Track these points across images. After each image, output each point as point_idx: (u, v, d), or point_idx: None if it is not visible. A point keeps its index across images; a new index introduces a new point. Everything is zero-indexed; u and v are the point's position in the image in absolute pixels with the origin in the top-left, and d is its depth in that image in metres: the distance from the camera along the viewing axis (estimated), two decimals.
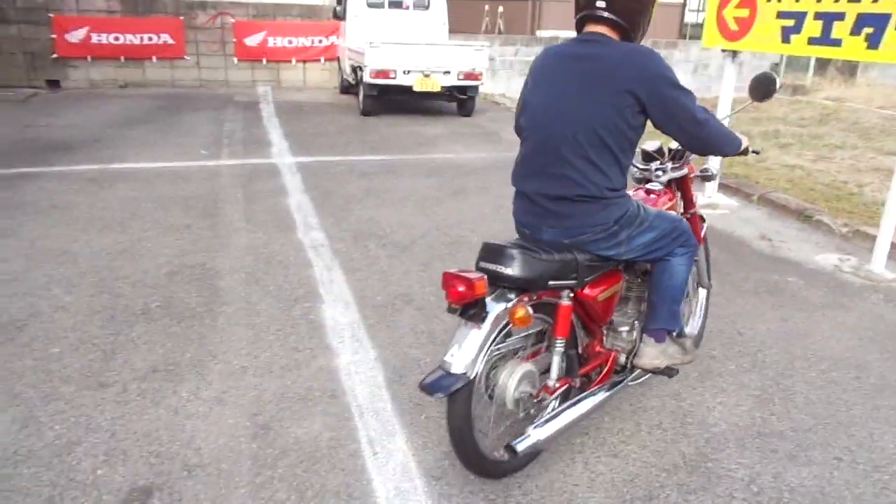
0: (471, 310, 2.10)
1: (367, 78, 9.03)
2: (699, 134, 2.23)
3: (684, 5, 16.46)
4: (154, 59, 11.44)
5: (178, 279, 3.89)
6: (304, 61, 12.22)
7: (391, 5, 10.44)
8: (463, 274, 2.06)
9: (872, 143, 8.46)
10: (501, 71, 12.67)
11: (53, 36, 10.83)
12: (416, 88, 9.15)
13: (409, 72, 9.05)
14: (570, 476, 2.36)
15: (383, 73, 8.97)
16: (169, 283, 3.84)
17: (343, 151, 7.26)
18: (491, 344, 2.12)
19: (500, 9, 14.85)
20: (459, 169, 6.69)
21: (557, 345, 2.32)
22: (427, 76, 9.12)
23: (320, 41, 12.14)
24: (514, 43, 12.69)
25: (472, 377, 2.06)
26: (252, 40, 11.80)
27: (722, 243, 4.85)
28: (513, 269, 2.14)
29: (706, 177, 3.16)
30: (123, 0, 11.13)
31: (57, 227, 4.63)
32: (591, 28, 2.24)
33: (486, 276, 2.08)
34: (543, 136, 2.27)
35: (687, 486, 2.32)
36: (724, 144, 2.33)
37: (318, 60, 12.26)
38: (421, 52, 9.15)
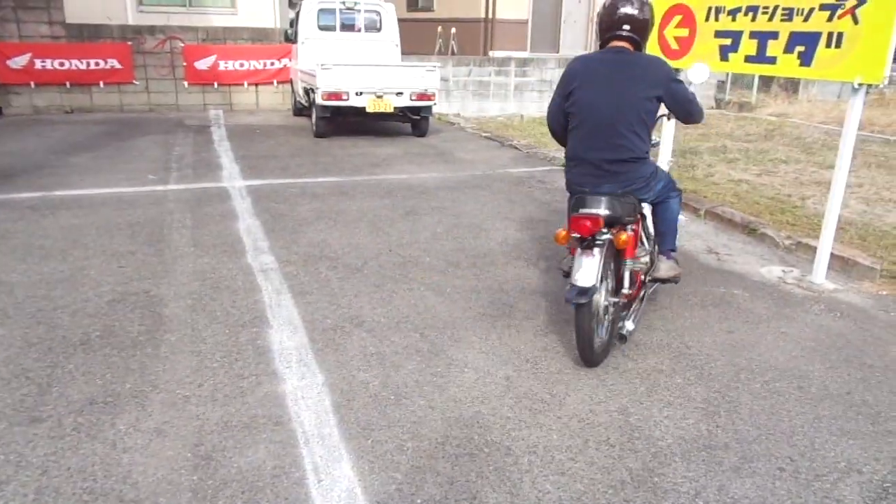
0: (586, 243, 3.03)
1: (319, 100, 9.00)
2: (691, 109, 3.32)
3: None
4: (101, 84, 11.22)
5: (121, 307, 3.78)
6: (257, 84, 12.13)
7: (343, 28, 10.47)
8: (586, 215, 3.05)
9: (814, 157, 8.76)
10: (455, 91, 12.78)
11: None
12: (370, 110, 9.15)
13: (361, 93, 9.06)
14: (517, 496, 2.34)
15: (335, 95, 8.95)
16: (110, 311, 3.73)
17: (295, 174, 7.20)
18: (604, 264, 3.05)
19: (453, 30, 15.02)
20: (412, 189, 6.69)
21: (629, 263, 3.38)
22: (380, 97, 9.14)
23: (272, 64, 12.08)
24: (468, 63, 12.83)
25: (596, 287, 2.99)
26: (202, 64, 11.68)
27: None
28: (608, 211, 3.12)
29: (655, 144, 3.82)
30: (67, 26, 10.90)
31: None
32: (616, 44, 3.27)
33: (602, 216, 3.06)
34: (601, 118, 3.20)
35: (633, 502, 2.32)
36: (699, 113, 3.36)
37: (271, 83, 12.18)
38: (373, 74, 9.17)
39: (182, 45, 11.50)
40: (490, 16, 14.79)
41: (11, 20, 10.55)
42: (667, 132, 5.62)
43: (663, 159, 5.69)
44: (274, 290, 4.10)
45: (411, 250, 4.89)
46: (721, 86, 15.14)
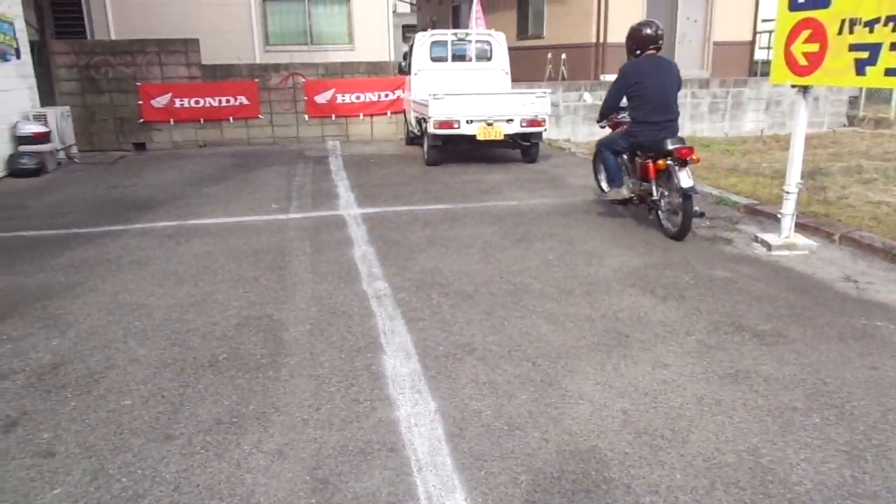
0: (681, 162, 5.53)
1: (431, 129, 9.19)
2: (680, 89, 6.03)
3: (753, 43, 16.15)
4: (231, 119, 12.04)
5: (246, 331, 3.98)
6: (371, 115, 12.57)
7: (454, 58, 10.67)
8: (682, 146, 5.57)
9: None
10: (565, 116, 12.67)
11: (140, 102, 11.58)
12: (480, 137, 9.24)
13: (472, 121, 9.17)
14: None
15: (447, 124, 9.12)
16: (236, 334, 3.93)
17: (408, 201, 7.36)
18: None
19: (564, 56, 14.95)
20: (523, 216, 6.65)
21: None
22: (490, 125, 9.21)
23: (386, 95, 12.49)
24: (578, 88, 12.70)
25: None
26: (322, 98, 12.26)
27: (801, 286, 4.60)
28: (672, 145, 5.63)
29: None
30: (202, 67, 11.82)
31: (136, 282, 4.84)
32: (651, 51, 5.96)
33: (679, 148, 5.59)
34: (660, 96, 5.84)
35: None
36: None
37: (385, 114, 12.59)
38: (483, 102, 9.27)
39: (303, 80, 12.13)
40: (601, 40, 14.62)
41: (156, 64, 11.58)
42: (796, 152, 5.29)
43: (792, 181, 5.35)
44: (387, 316, 4.17)
45: (522, 277, 4.84)
46: (854, 102, 14.11)
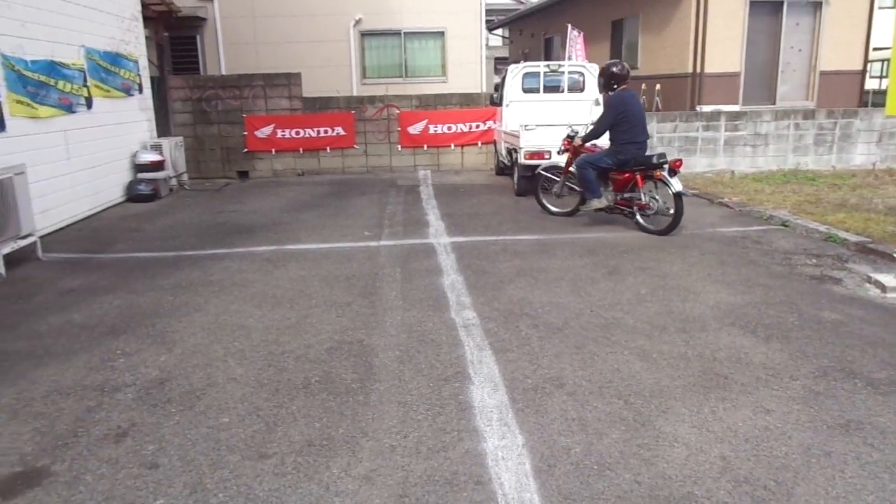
0: (674, 171, 6.92)
1: (521, 159, 9.21)
2: None
3: (864, 72, 15.31)
4: (328, 149, 12.50)
5: (337, 355, 4.07)
6: (462, 146, 12.74)
7: (546, 90, 10.68)
8: (675, 160, 7.02)
9: None
10: (659, 147, 12.37)
11: (245, 133, 12.23)
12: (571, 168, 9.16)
13: (562, 151, 9.11)
14: None
15: (538, 154, 9.11)
16: (328, 358, 4.03)
17: (497, 231, 7.37)
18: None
19: (658, 86, 14.68)
20: (614, 248, 6.52)
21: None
22: None
23: (477, 126, 12.64)
24: (673, 119, 12.40)
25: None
26: (414, 128, 12.55)
27: None
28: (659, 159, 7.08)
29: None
30: (303, 99, 12.37)
31: (236, 304, 5.07)
32: (624, 86, 7.39)
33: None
34: (640, 122, 7.24)
35: None
36: None
37: (476, 144, 12.73)
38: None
39: (398, 111, 12.47)
40: (698, 70, 14.27)
41: (261, 97, 12.22)
42: None
43: None
44: (475, 345, 4.17)
45: (614, 311, 4.73)
46: None
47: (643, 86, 14.90)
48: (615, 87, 7.38)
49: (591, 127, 7.75)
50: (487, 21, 16.36)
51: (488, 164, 12.74)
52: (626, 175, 7.29)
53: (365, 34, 14.65)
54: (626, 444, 2.99)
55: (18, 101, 6.96)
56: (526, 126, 9.08)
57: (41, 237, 6.64)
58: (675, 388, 3.54)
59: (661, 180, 6.98)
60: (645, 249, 6.45)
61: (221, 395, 3.58)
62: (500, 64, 28.16)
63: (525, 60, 14.07)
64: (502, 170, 11.59)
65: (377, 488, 2.70)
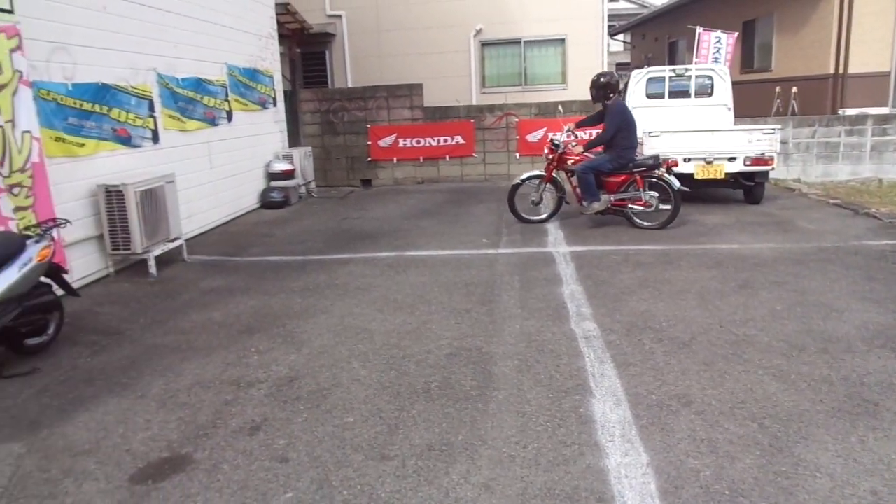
0: (672, 170, 7.66)
1: None
2: None
3: None
4: (447, 157, 12.69)
5: (456, 361, 4.11)
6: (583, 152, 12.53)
7: (672, 95, 10.31)
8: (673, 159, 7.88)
9: None
10: (795, 154, 11.60)
11: (369, 143, 12.68)
12: (698, 176, 8.77)
13: (689, 159, 8.75)
14: None
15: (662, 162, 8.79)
16: (448, 364, 4.07)
17: (618, 241, 7.18)
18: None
19: (794, 89, 13.76)
20: (745, 261, 6.16)
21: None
22: (709, 163, 8.72)
23: (596, 133, 12.39)
24: (812, 124, 11.58)
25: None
26: (533, 136, 12.49)
27: None
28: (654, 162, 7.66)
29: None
30: (424, 109, 12.65)
31: (360, 307, 5.24)
32: (617, 95, 7.94)
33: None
34: (635, 128, 7.86)
35: None
36: None
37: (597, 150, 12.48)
38: (703, 139, 8.82)
39: (517, 120, 12.47)
40: (840, 71, 13.24)
41: (384, 108, 12.63)
42: None
43: None
44: (596, 358, 4.07)
45: (746, 328, 4.47)
46: None
47: (777, 89, 14.05)
48: (611, 95, 7.80)
49: (578, 133, 8.60)
50: (609, 27, 16.02)
51: None
52: (623, 177, 7.73)
53: (485, 44, 14.78)
54: (761, 470, 2.81)
55: (170, 116, 7.58)
56: (650, 133, 8.80)
57: (186, 240, 7.19)
58: (816, 412, 3.28)
59: (662, 179, 7.56)
60: (780, 263, 6.05)
61: (346, 395, 3.71)
62: (621, 70, 27.51)
63: (648, 66, 13.66)
64: None
65: (496, 498, 2.70)
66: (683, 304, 4.99)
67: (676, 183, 7.51)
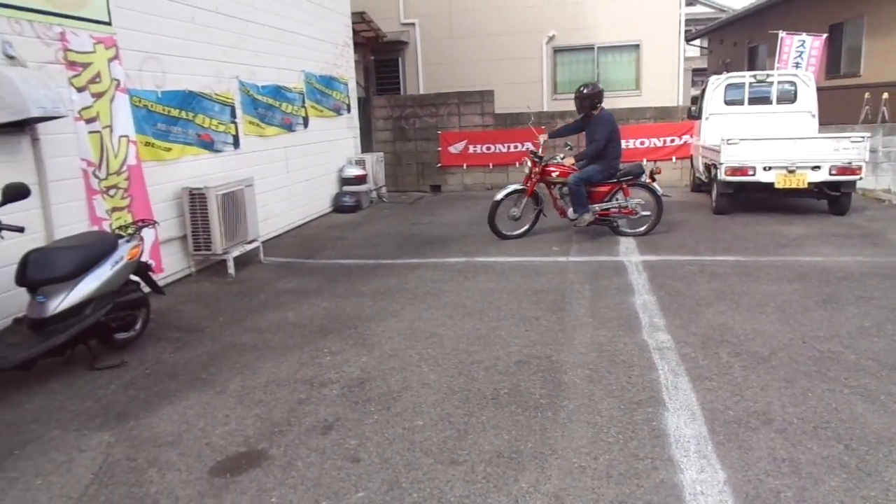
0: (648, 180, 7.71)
1: (721, 175, 8.66)
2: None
3: None
4: (517, 164, 12.65)
5: (525, 369, 4.09)
6: (655, 161, 12.23)
7: (751, 101, 9.97)
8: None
9: None
10: (885, 164, 11.01)
11: (439, 149, 12.78)
12: (778, 185, 8.45)
13: (769, 168, 8.44)
14: None
15: (741, 171, 8.51)
16: (517, 371, 4.06)
17: (693, 251, 6.99)
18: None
19: (885, 95, 13.06)
20: (830, 274, 5.89)
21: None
22: (791, 172, 8.38)
23: (672, 140, 12.10)
24: None
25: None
26: None
27: None
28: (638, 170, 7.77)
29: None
30: (495, 116, 12.66)
31: (429, 312, 5.29)
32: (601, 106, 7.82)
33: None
34: (620, 137, 7.86)
35: None
36: None
37: (669, 159, 12.18)
38: (784, 147, 8.48)
39: None
40: None
41: (455, 114, 12.72)
42: None
43: None
44: (670, 370, 3.97)
45: (830, 344, 4.27)
46: None
47: (867, 94, 13.37)
48: (597, 105, 7.72)
49: (568, 145, 8.56)
50: (685, 31, 15.63)
51: (683, 180, 12.15)
52: (609, 187, 7.70)
53: (557, 50, 14.68)
54: (847, 494, 2.68)
55: (250, 122, 7.86)
56: (728, 140, 8.53)
57: (262, 242, 7.43)
58: None
59: (647, 187, 7.71)
60: (868, 277, 5.75)
61: (416, 398, 3.75)
62: (697, 76, 26.77)
63: (726, 71, 13.26)
64: (699, 186, 11.00)
65: None
66: (763, 318, 4.81)
67: (659, 189, 7.73)
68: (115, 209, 5.47)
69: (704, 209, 9.57)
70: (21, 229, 3.97)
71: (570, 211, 7.77)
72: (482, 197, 11.88)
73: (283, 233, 8.75)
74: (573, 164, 7.79)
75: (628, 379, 3.88)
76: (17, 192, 3.87)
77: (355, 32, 11.91)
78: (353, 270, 6.74)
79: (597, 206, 7.71)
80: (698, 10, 27.06)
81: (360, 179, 10.79)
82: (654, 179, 7.72)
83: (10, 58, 4.52)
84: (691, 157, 11.66)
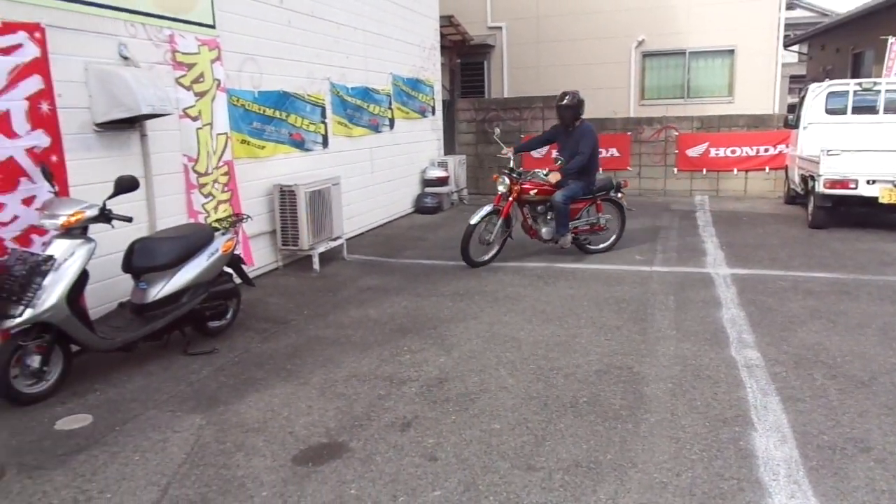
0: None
1: (820, 188, 8.23)
2: None
3: None
4: (600, 170, 12.45)
5: (606, 378, 4.02)
6: (747, 171, 11.80)
7: (855, 111, 9.43)
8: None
9: None
10: None
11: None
12: (883, 200, 7.96)
13: (874, 181, 7.97)
14: None
15: (841, 184, 8.07)
16: (597, 380, 4.00)
17: (786, 266, 6.68)
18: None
19: None
20: None
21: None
22: None
23: (766, 150, 11.61)
24: None
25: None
26: (694, 151, 11.94)
27: None
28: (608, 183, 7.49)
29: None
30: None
31: (508, 315, 5.28)
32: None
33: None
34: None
35: None
36: None
37: (762, 170, 11.70)
38: (891, 160, 7.98)
39: (677, 133, 11.99)
40: None
41: (539, 118, 12.60)
42: None
43: None
44: (759, 389, 3.82)
45: None
46: None
47: None
48: (580, 116, 7.24)
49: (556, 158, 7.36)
50: (783, 36, 14.96)
51: (776, 191, 11.63)
52: (583, 203, 7.30)
53: (647, 55, 14.37)
54: None
55: (339, 122, 8.08)
56: (828, 151, 8.11)
57: (346, 240, 7.61)
58: None
59: (617, 202, 7.51)
60: None
61: (493, 401, 3.75)
62: (794, 83, 25.55)
63: (828, 78, 12.62)
64: (793, 199, 10.49)
65: None
66: (862, 340, 4.55)
67: (625, 203, 7.60)
68: (219, 202, 5.80)
69: (799, 223, 9.13)
70: (129, 219, 4.22)
71: (546, 231, 7.12)
72: None
73: (365, 231, 8.94)
74: (546, 183, 7.06)
75: (714, 395, 3.75)
76: (128, 185, 4.12)
77: (443, 35, 12.03)
78: (433, 271, 6.81)
79: (571, 224, 7.14)
80: (798, 14, 25.85)
81: (442, 181, 10.89)
82: (622, 193, 7.52)
83: (125, 58, 4.82)
84: (786, 168, 11.15)
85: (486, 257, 7.01)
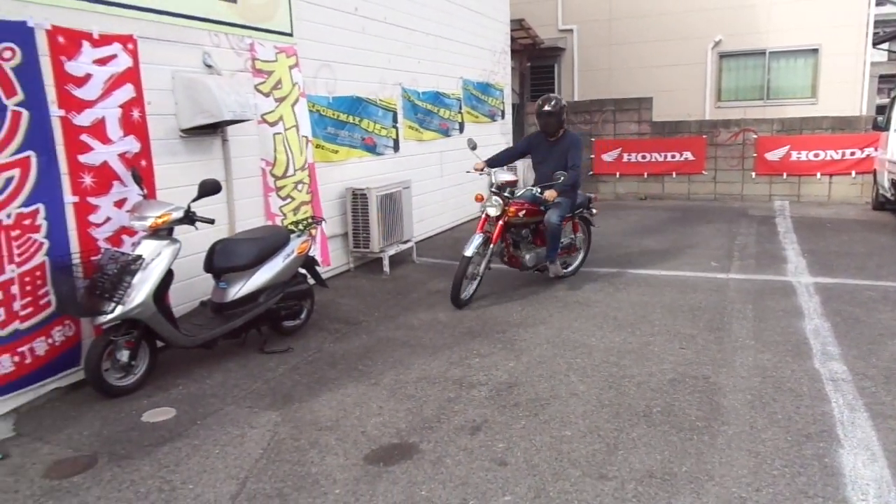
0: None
1: None
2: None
3: None
4: (674, 174, 12.15)
5: (680, 388, 3.92)
6: (831, 175, 11.27)
7: None
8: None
9: None
10: None
11: (592, 156, 12.55)
12: None
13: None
14: None
15: None
16: (671, 390, 3.90)
17: (874, 275, 6.34)
18: None
19: None
20: None
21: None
22: None
23: (852, 153, 11.06)
24: None
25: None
26: (773, 155, 11.49)
27: None
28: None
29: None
30: (652, 123, 12.24)
31: (578, 321, 5.22)
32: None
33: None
34: None
35: None
36: None
37: (848, 174, 11.15)
38: None
39: (755, 136, 11.57)
40: None
41: (610, 121, 12.46)
42: None
43: None
44: (846, 404, 3.64)
45: None
46: None
47: None
48: (564, 123, 6.45)
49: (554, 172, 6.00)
50: (872, 34, 14.20)
51: (863, 197, 11.07)
52: (561, 222, 6.11)
53: (723, 56, 13.91)
54: None
55: (410, 127, 8.18)
56: None
57: (416, 243, 7.69)
58: None
59: (585, 218, 6.80)
60: None
61: (564, 407, 3.71)
62: (884, 83, 24.23)
63: None
64: (882, 204, 9.96)
65: None
66: None
67: (594, 221, 6.97)
68: (300, 204, 6.04)
69: (888, 230, 8.66)
70: (212, 221, 4.40)
71: (529, 257, 6.18)
72: (635, 207, 11.54)
73: (434, 234, 9.00)
74: (528, 204, 6.16)
75: (796, 409, 3.60)
76: (212, 188, 4.29)
77: (513, 39, 12.01)
78: (501, 275, 6.78)
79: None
80: (888, 10, 24.51)
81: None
82: (595, 210, 6.79)
83: (209, 66, 5.03)
84: (874, 172, 10.58)
85: (469, 293, 5.81)
